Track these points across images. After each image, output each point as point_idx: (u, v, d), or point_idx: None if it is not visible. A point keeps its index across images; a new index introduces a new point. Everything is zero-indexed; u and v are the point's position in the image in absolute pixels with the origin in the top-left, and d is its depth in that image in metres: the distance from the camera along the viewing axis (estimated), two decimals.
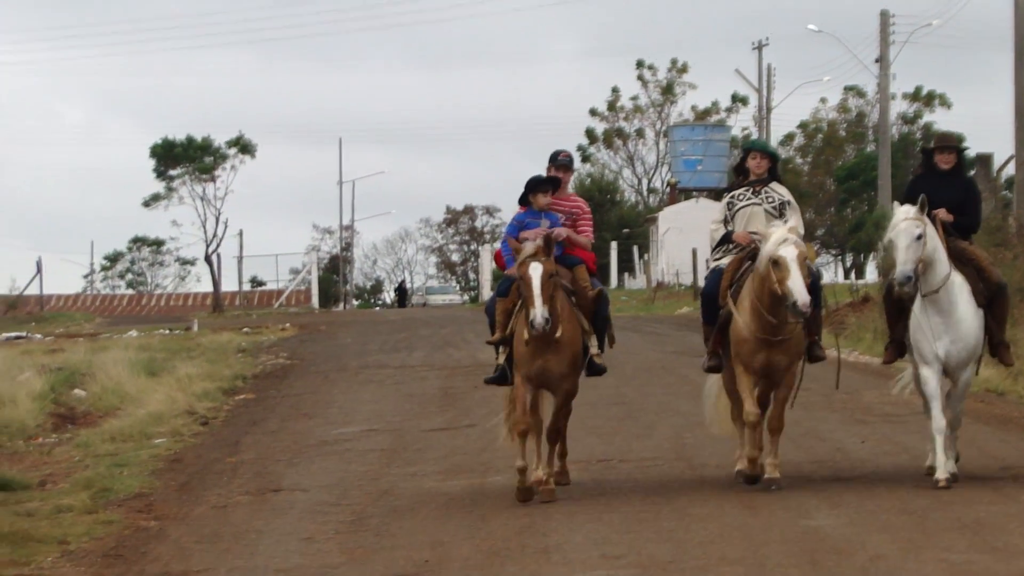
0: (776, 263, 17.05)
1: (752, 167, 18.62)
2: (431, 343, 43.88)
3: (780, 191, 18.52)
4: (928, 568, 14.69)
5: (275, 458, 24.22)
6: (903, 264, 17.24)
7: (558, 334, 17.67)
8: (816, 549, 15.46)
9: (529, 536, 16.64)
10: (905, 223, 17.34)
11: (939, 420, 17.68)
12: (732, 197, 18.64)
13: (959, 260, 17.87)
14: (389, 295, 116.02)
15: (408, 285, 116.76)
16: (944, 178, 18.32)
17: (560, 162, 18.66)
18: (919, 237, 17.28)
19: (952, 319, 17.63)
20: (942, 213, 17.74)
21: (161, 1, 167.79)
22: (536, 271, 17.32)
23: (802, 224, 18.15)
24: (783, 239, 17.13)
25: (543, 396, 18.44)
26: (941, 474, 17.59)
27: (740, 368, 17.85)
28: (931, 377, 17.70)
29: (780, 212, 18.18)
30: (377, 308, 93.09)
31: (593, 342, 18.45)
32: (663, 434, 23.95)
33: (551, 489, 18.13)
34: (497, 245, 21.11)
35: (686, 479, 20.28)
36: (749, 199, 18.43)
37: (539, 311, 17.19)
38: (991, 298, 18.02)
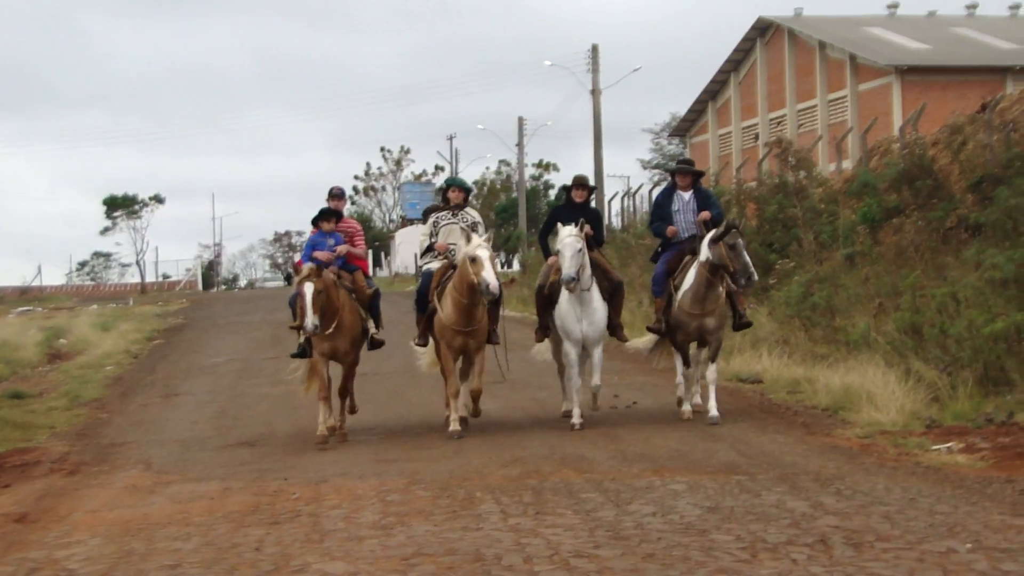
0: (473, 260, 14.38)
1: (452, 197, 16.04)
2: (266, 308, 43.30)
3: (472, 214, 16.07)
4: (546, 432, 14.70)
5: (176, 376, 23.85)
6: (569, 269, 14.77)
7: (330, 330, 14.67)
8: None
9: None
10: (570, 238, 14.89)
11: (575, 380, 15.26)
12: (437, 217, 16.03)
13: (591, 264, 15.54)
14: (242, 283, 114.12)
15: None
16: (578, 207, 15.77)
17: (333, 193, 16.21)
18: (580, 249, 14.87)
19: (589, 309, 15.10)
20: (587, 228, 15.30)
21: None
22: (308, 289, 14.31)
23: (491, 237, 15.76)
24: (479, 244, 14.52)
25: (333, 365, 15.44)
26: (576, 420, 15.00)
27: (444, 347, 15.05)
28: (571, 351, 15.22)
29: (473, 229, 15.69)
30: (235, 290, 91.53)
31: (371, 325, 15.68)
32: (398, 356, 23.83)
33: (344, 433, 15.26)
34: (298, 256, 17.96)
35: (409, 383, 20.21)
36: (449, 219, 15.87)
37: (310, 319, 14.22)
38: (612, 292, 15.58)
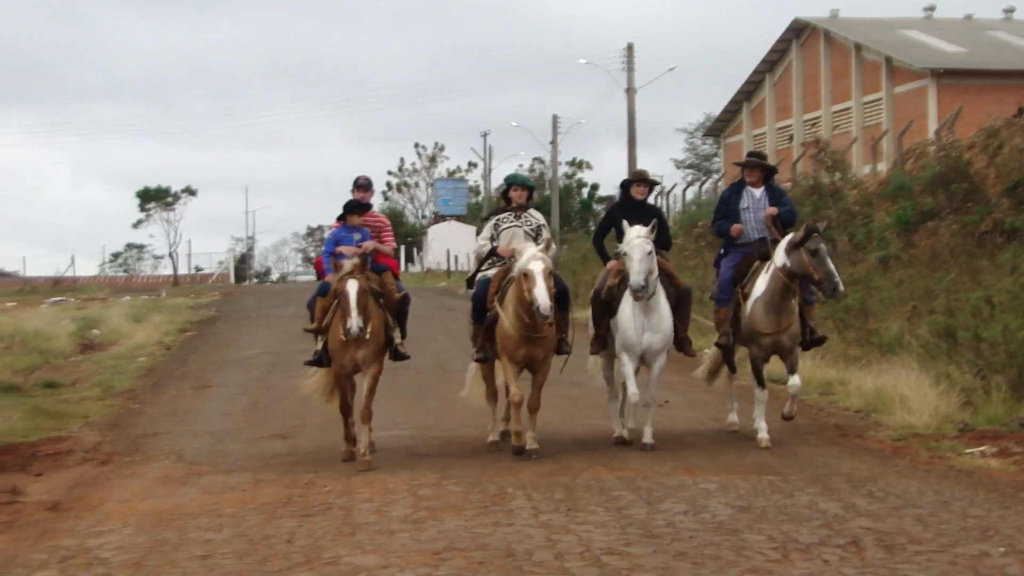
0: (526, 275, 12.69)
1: (514, 197, 14.16)
2: (299, 302, 43.21)
3: (536, 216, 14.22)
4: (578, 429, 14.69)
5: (208, 368, 23.88)
6: (637, 275, 13.06)
7: (367, 335, 12.92)
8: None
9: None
10: (639, 240, 13.21)
11: (633, 393, 13.50)
12: (497, 220, 14.19)
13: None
14: (274, 276, 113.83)
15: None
16: (639, 206, 14.06)
17: (359, 183, 14.43)
18: (649, 252, 13.20)
19: (655, 317, 13.37)
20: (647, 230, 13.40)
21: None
22: (352, 287, 12.83)
23: (550, 244, 13.62)
24: (533, 256, 12.80)
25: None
26: (621, 431, 13.85)
27: (506, 359, 13.16)
28: (628, 364, 13.45)
29: (537, 233, 13.90)
30: (267, 284, 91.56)
31: (397, 335, 13.77)
32: (429, 351, 23.84)
33: (368, 460, 12.89)
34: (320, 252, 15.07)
35: (441, 378, 20.23)
36: (512, 222, 14.03)
37: (355, 321, 12.67)
38: (678, 300, 13.79)
